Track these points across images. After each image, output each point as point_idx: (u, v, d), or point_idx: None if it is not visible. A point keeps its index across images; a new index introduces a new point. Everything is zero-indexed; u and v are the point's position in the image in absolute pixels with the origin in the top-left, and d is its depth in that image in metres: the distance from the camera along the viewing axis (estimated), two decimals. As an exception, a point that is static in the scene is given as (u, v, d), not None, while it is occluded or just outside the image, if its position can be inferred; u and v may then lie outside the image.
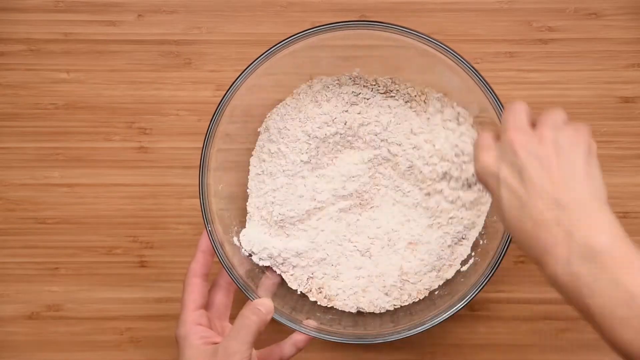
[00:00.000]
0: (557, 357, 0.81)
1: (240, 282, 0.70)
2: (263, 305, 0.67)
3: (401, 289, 0.75)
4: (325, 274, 0.75)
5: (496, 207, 0.57)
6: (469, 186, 0.74)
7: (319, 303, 0.75)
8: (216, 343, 0.66)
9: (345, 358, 0.81)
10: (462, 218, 0.75)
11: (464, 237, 0.75)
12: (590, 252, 0.52)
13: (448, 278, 0.75)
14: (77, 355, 0.81)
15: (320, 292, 0.75)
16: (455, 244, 0.75)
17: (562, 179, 0.55)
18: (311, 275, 0.75)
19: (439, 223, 0.75)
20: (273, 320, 0.69)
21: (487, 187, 0.58)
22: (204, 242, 0.71)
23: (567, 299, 0.53)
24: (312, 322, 0.71)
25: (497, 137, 0.59)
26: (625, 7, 0.81)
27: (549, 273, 0.53)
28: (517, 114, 0.58)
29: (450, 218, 0.75)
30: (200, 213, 0.71)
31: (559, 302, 0.80)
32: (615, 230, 0.54)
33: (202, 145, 0.71)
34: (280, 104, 0.76)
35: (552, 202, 0.54)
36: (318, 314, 0.74)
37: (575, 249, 0.52)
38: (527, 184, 0.55)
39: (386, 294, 0.75)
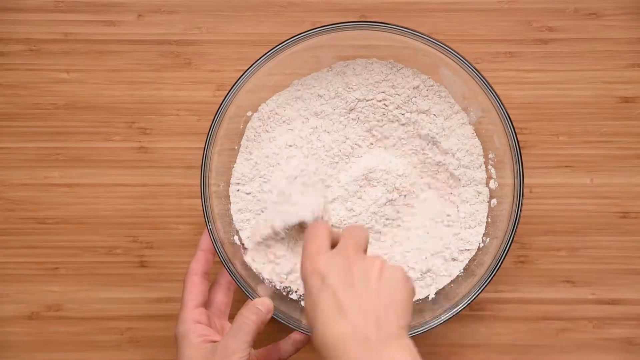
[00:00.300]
0: (557, 357, 0.81)
1: (240, 281, 0.70)
2: (263, 305, 0.67)
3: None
4: None
5: (309, 304, 0.58)
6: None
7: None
8: (215, 341, 0.66)
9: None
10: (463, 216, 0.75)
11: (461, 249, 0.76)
12: None
13: (445, 284, 0.75)
14: (77, 355, 0.81)
15: None
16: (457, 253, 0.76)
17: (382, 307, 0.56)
18: None
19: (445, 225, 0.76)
20: (273, 320, 0.69)
21: (306, 281, 0.59)
22: (205, 240, 0.71)
23: None
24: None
25: (331, 239, 0.61)
26: (625, 7, 0.81)
27: None
28: (350, 236, 0.61)
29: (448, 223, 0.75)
30: (200, 213, 0.71)
31: (559, 302, 0.80)
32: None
33: (201, 145, 0.71)
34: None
35: (372, 324, 0.55)
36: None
37: None
38: (352, 299, 0.56)
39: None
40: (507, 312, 0.81)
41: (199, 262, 0.70)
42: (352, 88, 0.76)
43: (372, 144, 0.77)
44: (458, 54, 0.71)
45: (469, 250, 0.75)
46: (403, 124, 0.76)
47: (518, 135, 0.72)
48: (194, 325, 0.68)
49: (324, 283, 0.57)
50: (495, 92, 0.71)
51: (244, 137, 0.76)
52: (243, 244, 0.75)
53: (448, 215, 0.76)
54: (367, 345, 0.54)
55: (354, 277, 0.57)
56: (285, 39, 0.71)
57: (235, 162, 0.76)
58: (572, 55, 0.81)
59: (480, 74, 0.71)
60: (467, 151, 0.75)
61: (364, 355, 0.54)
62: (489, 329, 0.81)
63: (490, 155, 0.75)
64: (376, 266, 0.58)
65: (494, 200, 0.75)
